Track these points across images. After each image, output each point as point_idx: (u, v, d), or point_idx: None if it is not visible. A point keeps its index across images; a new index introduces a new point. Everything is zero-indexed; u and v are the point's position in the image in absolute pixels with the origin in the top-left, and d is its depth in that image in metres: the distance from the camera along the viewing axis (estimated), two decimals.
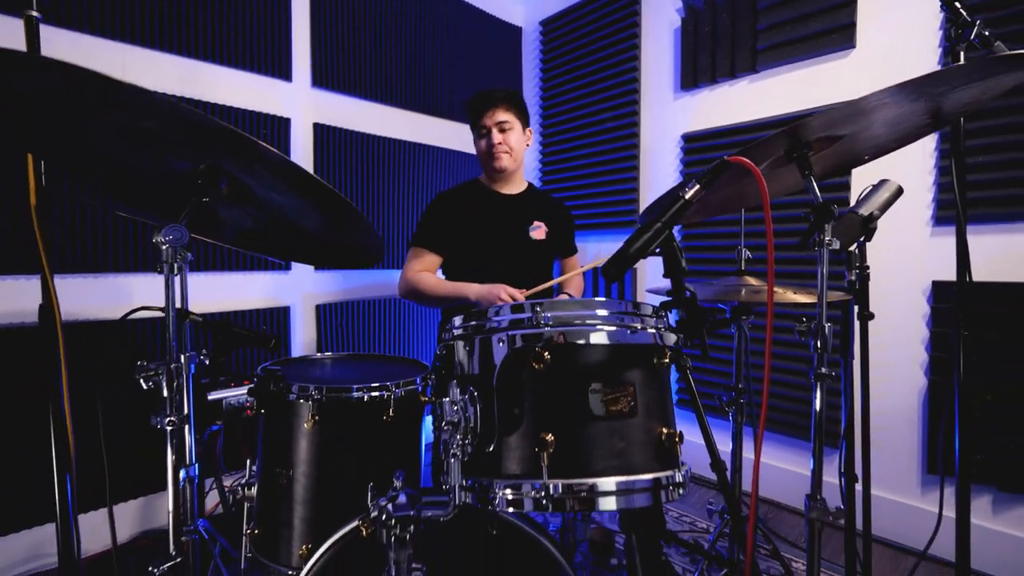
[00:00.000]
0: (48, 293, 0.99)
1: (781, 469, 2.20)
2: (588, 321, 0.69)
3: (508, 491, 0.65)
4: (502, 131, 1.71)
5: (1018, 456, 1.64)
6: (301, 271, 2.34)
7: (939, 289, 1.81)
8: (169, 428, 0.85)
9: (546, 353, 0.66)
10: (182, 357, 0.87)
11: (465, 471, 0.68)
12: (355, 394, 1.13)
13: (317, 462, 1.13)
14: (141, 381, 0.83)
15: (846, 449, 1.37)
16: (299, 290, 2.34)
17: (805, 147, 0.90)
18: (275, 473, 1.15)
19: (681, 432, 0.71)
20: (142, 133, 0.75)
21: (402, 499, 0.63)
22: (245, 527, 1.21)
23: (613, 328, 0.68)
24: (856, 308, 1.32)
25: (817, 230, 0.86)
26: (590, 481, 0.63)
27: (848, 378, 1.39)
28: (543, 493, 0.62)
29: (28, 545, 1.70)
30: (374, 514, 0.92)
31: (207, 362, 1.00)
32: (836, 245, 0.91)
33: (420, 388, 1.23)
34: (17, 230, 1.65)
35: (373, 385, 1.14)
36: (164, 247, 0.83)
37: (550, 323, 0.68)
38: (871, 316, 1.31)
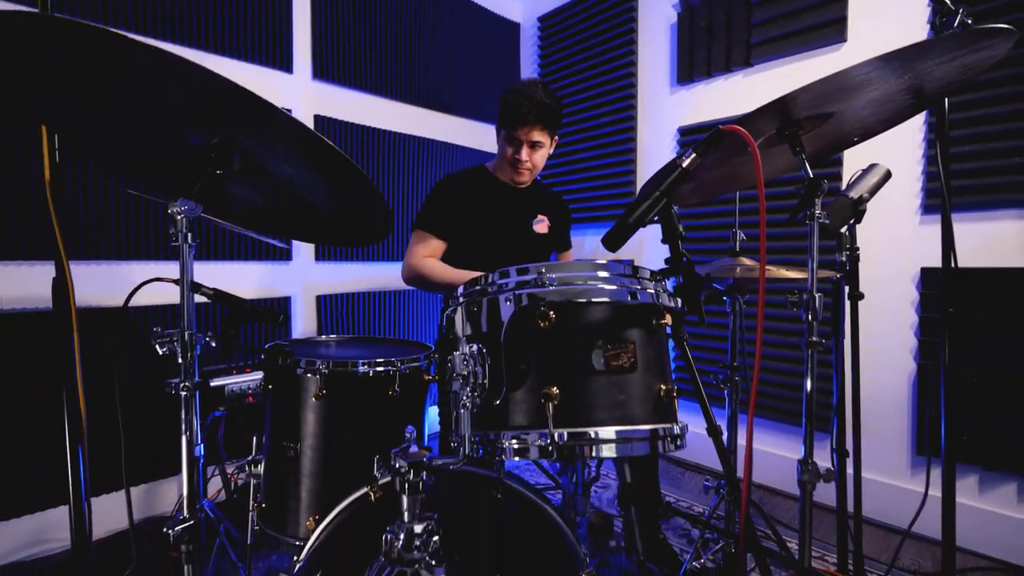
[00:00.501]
0: (62, 267, 1.01)
1: (775, 455, 2.24)
2: (590, 282, 0.73)
3: (515, 441, 0.68)
4: (532, 147, 1.69)
5: (1003, 436, 1.68)
6: (302, 261, 2.37)
7: (927, 275, 1.86)
8: (183, 393, 0.87)
9: (551, 312, 0.69)
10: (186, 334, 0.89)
11: (474, 426, 0.71)
12: (361, 369, 1.16)
13: (324, 435, 1.15)
14: (156, 346, 0.85)
15: (837, 425, 1.42)
16: (300, 280, 2.37)
17: (796, 125, 0.94)
18: (282, 447, 1.17)
19: (678, 387, 0.74)
20: (158, 103, 0.78)
21: (414, 448, 0.66)
22: (252, 501, 1.23)
23: (614, 288, 0.72)
24: (847, 288, 1.37)
25: (808, 203, 0.90)
26: (592, 430, 0.67)
27: (839, 357, 1.43)
28: (548, 441, 0.66)
29: (31, 530, 1.71)
30: (383, 480, 0.96)
31: (213, 344, 1.03)
32: (825, 219, 0.95)
33: (424, 366, 1.26)
34: (22, 216, 1.66)
35: (378, 360, 1.17)
36: (179, 217, 0.86)
37: (555, 283, 0.71)
38: (861, 296, 1.35)
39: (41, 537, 1.74)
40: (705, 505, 2.09)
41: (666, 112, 2.61)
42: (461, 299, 0.82)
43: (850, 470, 1.50)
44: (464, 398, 0.69)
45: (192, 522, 0.88)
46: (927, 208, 1.87)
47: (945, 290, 1.29)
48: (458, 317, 0.81)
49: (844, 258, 1.31)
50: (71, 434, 1.01)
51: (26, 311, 1.67)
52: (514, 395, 0.70)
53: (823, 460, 1.41)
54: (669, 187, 0.76)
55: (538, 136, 1.67)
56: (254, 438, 1.27)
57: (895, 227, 1.93)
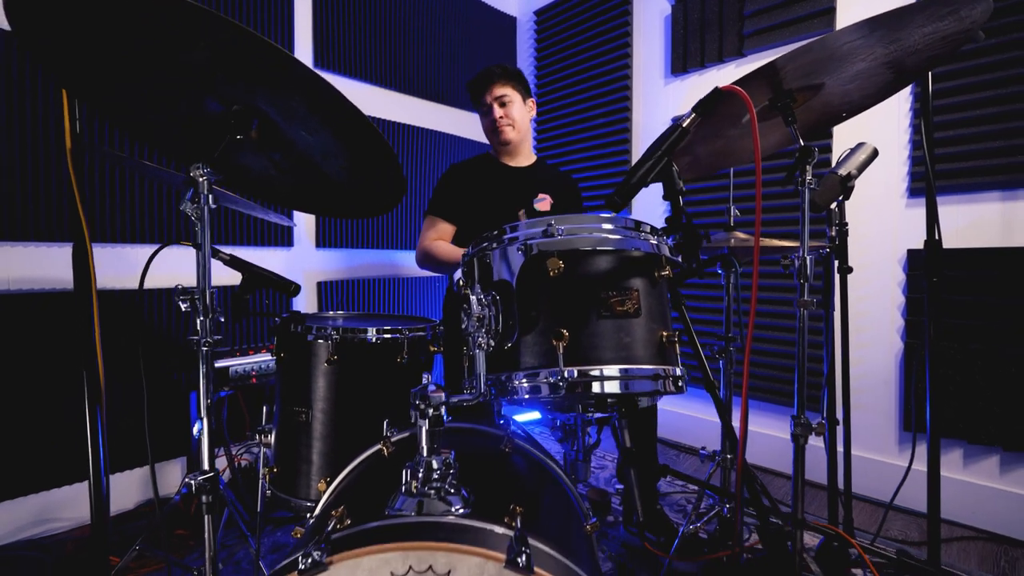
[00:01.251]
0: (81, 235, 1.04)
1: (768, 436, 2.30)
2: (596, 233, 0.77)
3: (526, 380, 0.73)
4: (502, 105, 1.81)
5: (986, 411, 1.75)
6: (303, 248, 2.40)
7: (913, 257, 1.92)
8: (204, 349, 0.91)
9: (560, 261, 0.74)
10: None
11: (487, 370, 0.76)
12: (370, 336, 1.20)
13: (334, 400, 1.19)
14: (179, 303, 0.89)
15: (828, 397, 1.47)
16: (301, 267, 2.40)
17: (788, 96, 0.99)
18: (294, 412, 1.21)
19: (679, 333, 0.79)
20: (183, 64, 0.81)
21: (431, 387, 0.70)
22: (262, 468, 1.26)
23: (619, 238, 0.77)
24: (836, 263, 1.43)
25: (799, 168, 0.95)
26: (599, 368, 0.71)
27: (829, 332, 1.49)
28: (558, 378, 0.70)
29: (36, 509, 1.73)
30: (396, 437, 1.00)
31: (221, 319, 1.06)
32: (816, 185, 1.00)
33: (429, 337, 1.30)
34: (32, 198, 1.68)
35: (386, 328, 1.21)
36: (201, 180, 0.89)
37: (563, 234, 0.76)
38: (850, 270, 1.41)
39: (46, 516, 1.76)
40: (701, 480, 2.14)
41: (661, 103, 2.67)
42: (474, 251, 0.86)
43: (841, 447, 1.55)
44: (480, 338, 0.73)
45: (212, 473, 0.91)
46: (913, 191, 1.93)
47: (929, 261, 1.36)
48: (470, 271, 0.85)
49: (834, 233, 1.37)
50: (90, 394, 1.03)
51: (32, 292, 1.69)
52: (525, 338, 0.75)
53: (816, 442, 1.47)
54: (671, 147, 0.80)
55: (500, 90, 1.79)
56: (264, 408, 1.30)
57: (882, 210, 2.00)
